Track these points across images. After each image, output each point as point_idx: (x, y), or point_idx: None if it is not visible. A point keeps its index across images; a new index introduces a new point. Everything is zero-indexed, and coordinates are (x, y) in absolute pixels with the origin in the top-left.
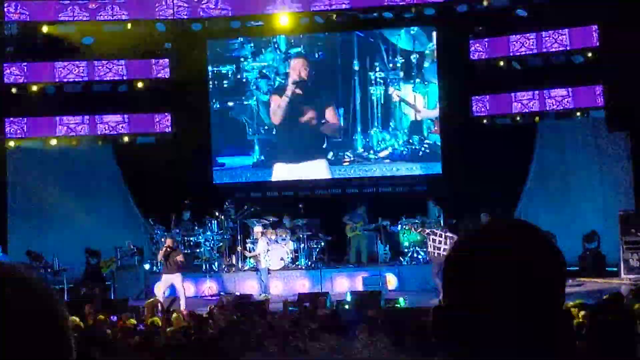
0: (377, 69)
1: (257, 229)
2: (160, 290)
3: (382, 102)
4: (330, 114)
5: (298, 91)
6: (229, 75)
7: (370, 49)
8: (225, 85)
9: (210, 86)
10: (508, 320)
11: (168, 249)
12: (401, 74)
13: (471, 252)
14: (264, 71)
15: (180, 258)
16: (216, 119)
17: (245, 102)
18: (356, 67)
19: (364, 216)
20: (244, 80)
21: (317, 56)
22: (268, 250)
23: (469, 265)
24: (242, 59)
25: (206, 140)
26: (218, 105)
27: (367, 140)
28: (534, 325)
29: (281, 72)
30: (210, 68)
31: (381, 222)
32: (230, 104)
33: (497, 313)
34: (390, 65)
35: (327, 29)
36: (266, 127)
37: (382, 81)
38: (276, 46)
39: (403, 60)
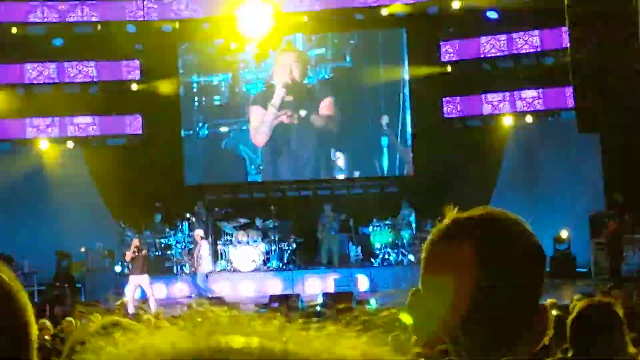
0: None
1: (198, 232)
2: (129, 292)
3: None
4: (325, 105)
5: (287, 97)
6: (222, 88)
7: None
8: (216, 102)
9: (195, 103)
10: (483, 313)
11: (135, 250)
12: None
13: (453, 238)
14: (273, 82)
15: (144, 253)
16: (197, 148)
17: (246, 127)
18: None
19: (331, 216)
20: (243, 94)
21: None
22: (209, 254)
23: (449, 251)
24: (240, 65)
25: (177, 142)
26: (206, 131)
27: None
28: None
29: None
30: (194, 78)
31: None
32: (224, 129)
33: (472, 305)
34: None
35: (300, 30)
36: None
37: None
38: (292, 47)
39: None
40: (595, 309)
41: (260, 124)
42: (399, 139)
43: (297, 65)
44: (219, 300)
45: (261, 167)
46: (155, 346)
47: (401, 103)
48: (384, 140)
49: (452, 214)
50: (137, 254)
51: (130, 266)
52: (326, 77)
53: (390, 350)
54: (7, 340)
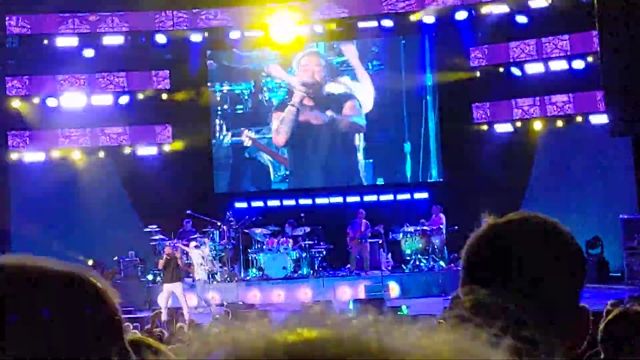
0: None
1: (191, 243)
2: (162, 300)
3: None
4: (349, 106)
5: (307, 101)
6: (245, 97)
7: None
8: (239, 111)
9: (218, 111)
10: (525, 312)
11: (167, 258)
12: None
13: (493, 243)
14: (294, 87)
15: (179, 262)
16: (225, 157)
17: (269, 135)
18: (429, 83)
19: (363, 223)
20: (266, 103)
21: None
22: (201, 264)
23: (489, 256)
24: (263, 74)
25: (207, 151)
26: (230, 140)
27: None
28: (551, 319)
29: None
30: (217, 87)
31: (376, 227)
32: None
33: (513, 303)
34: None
35: (326, 38)
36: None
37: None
38: (316, 53)
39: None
40: (628, 316)
41: (280, 123)
42: (422, 145)
43: (319, 70)
44: (250, 308)
45: (285, 174)
46: (246, 339)
47: (424, 110)
48: (407, 147)
49: (490, 219)
50: (168, 261)
51: (162, 274)
52: (350, 82)
53: (484, 345)
54: (103, 335)
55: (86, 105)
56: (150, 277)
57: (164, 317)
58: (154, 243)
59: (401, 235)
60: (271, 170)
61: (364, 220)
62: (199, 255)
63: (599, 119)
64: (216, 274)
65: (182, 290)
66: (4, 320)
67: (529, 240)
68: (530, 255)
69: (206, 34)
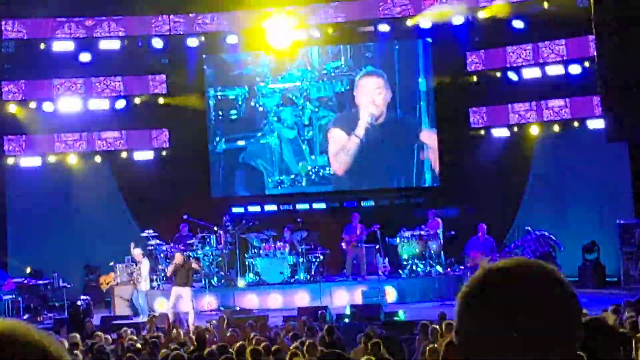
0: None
1: (137, 251)
2: (170, 302)
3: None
4: (427, 135)
5: (372, 130)
6: (239, 102)
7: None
8: (232, 117)
9: (212, 117)
10: None
11: (178, 265)
12: None
13: (487, 291)
14: (289, 96)
15: (195, 266)
16: (219, 162)
17: (263, 141)
18: (422, 88)
19: (358, 227)
20: (260, 108)
21: (361, 70)
22: (148, 275)
23: (484, 304)
24: (257, 79)
25: (204, 155)
26: (224, 146)
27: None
28: None
29: (313, 97)
30: (211, 92)
31: (372, 228)
32: (241, 143)
33: (512, 354)
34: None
35: (323, 42)
36: (292, 176)
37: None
38: (306, 60)
39: None
40: (595, 325)
41: (342, 151)
42: (415, 150)
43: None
44: (247, 313)
45: (280, 180)
46: None
47: (418, 114)
48: (404, 151)
49: (485, 264)
50: (179, 267)
51: (173, 278)
52: (342, 90)
53: None
54: None
55: (82, 109)
56: None
57: (171, 318)
58: (150, 248)
59: (398, 240)
60: (265, 175)
61: (359, 224)
62: (148, 265)
63: (596, 123)
64: (212, 278)
65: (191, 295)
66: None
67: (522, 289)
68: (522, 304)
69: (202, 39)
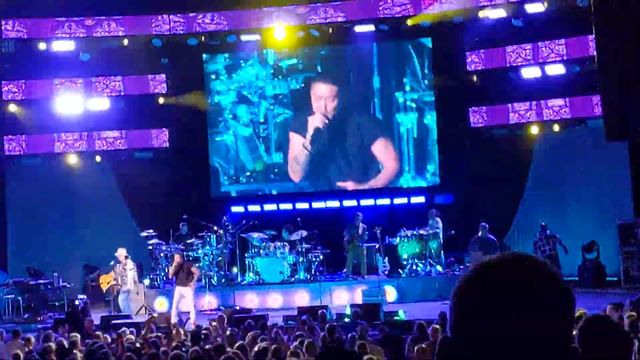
0: (408, 87)
1: (121, 251)
2: (174, 302)
3: (415, 135)
4: (380, 148)
5: (321, 136)
6: (239, 102)
7: (397, 59)
8: (231, 115)
9: (214, 116)
10: (516, 357)
11: (178, 265)
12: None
13: (480, 287)
14: (244, 93)
15: (194, 270)
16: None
17: (218, 138)
18: (376, 85)
19: (360, 227)
20: (214, 105)
21: (319, 70)
22: (133, 277)
23: (477, 300)
24: (212, 76)
25: (204, 154)
26: (225, 143)
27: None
28: None
29: (269, 95)
30: (213, 91)
31: (374, 229)
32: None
33: (504, 350)
34: (426, 82)
35: (323, 42)
36: (248, 174)
37: (414, 105)
38: (263, 58)
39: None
40: (597, 322)
41: (294, 162)
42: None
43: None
44: (247, 313)
45: (234, 177)
46: None
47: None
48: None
49: (478, 260)
50: (179, 267)
51: (174, 279)
52: (298, 87)
53: None
54: None
55: (82, 109)
56: (146, 282)
57: (173, 319)
58: (150, 247)
59: (398, 239)
60: (221, 173)
61: (361, 224)
62: (132, 265)
63: (595, 123)
64: (212, 278)
65: (194, 294)
66: None
67: (515, 283)
68: (516, 299)
69: (202, 38)
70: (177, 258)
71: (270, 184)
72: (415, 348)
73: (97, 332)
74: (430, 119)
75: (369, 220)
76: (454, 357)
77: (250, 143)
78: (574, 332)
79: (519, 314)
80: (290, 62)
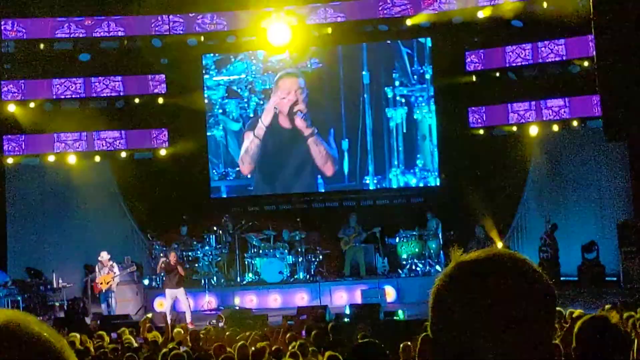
0: (397, 82)
1: (104, 255)
2: (168, 304)
3: (405, 129)
4: (313, 148)
5: (285, 124)
6: (238, 101)
7: (387, 56)
8: (231, 116)
9: (213, 117)
10: (496, 355)
11: (171, 264)
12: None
13: (459, 284)
14: (234, 88)
15: (181, 270)
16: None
17: (208, 133)
18: (366, 81)
19: (356, 228)
20: (206, 101)
21: (308, 65)
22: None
23: (456, 297)
24: (202, 72)
25: (203, 155)
26: (224, 144)
27: (384, 184)
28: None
29: (258, 89)
30: (212, 91)
31: (373, 230)
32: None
33: (484, 347)
34: (416, 77)
35: (322, 43)
36: (237, 169)
37: (404, 100)
38: (251, 52)
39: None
40: (596, 323)
41: (244, 153)
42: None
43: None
44: (247, 312)
45: (223, 172)
46: None
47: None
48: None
49: (457, 257)
50: (172, 266)
51: (164, 279)
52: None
53: None
54: None
55: (82, 109)
56: (146, 282)
57: (169, 320)
58: (149, 247)
59: (397, 239)
60: (210, 167)
61: (356, 225)
62: (117, 267)
63: (595, 123)
64: (212, 278)
65: (185, 294)
66: None
67: (494, 280)
68: (495, 295)
69: (202, 38)
70: (172, 257)
71: (259, 180)
72: (401, 345)
73: (101, 332)
74: (419, 114)
75: (368, 221)
76: (433, 355)
77: (240, 138)
78: (574, 333)
79: (497, 310)
80: (279, 56)
